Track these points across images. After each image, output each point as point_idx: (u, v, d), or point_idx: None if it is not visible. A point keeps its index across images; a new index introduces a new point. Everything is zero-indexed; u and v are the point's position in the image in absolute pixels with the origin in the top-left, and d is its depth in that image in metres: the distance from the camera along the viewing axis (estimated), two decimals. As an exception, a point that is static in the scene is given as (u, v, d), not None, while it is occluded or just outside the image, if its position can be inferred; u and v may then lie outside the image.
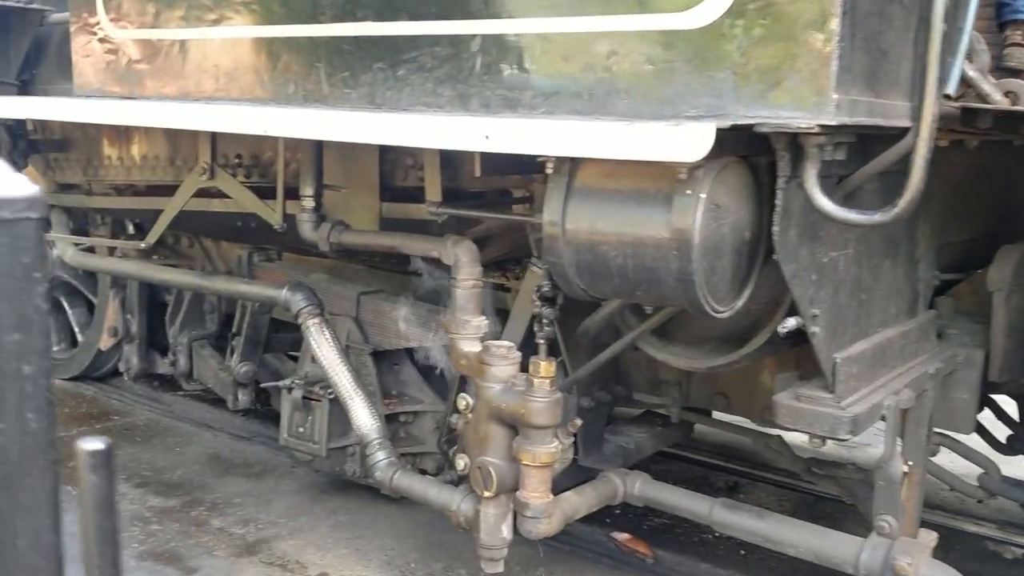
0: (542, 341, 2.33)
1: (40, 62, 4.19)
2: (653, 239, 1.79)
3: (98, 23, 2.95)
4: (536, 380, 2.27)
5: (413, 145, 1.97)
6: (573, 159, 1.91)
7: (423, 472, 3.23)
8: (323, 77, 2.36)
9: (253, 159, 3.34)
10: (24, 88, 4.27)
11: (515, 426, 2.35)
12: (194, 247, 4.47)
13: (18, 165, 4.04)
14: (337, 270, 3.75)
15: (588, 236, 1.90)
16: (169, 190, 3.76)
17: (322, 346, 3.02)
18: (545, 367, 2.27)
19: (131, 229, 4.67)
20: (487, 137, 1.89)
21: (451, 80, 2.09)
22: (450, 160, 2.72)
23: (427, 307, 3.20)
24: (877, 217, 1.86)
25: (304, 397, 3.43)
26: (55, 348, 5.23)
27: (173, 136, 3.54)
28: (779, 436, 3.12)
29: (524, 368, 2.33)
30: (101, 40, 2.98)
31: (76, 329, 5.14)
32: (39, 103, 3.00)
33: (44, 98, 3.01)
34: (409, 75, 2.16)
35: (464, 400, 2.46)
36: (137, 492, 3.74)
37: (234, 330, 4.08)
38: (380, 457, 2.82)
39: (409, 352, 3.48)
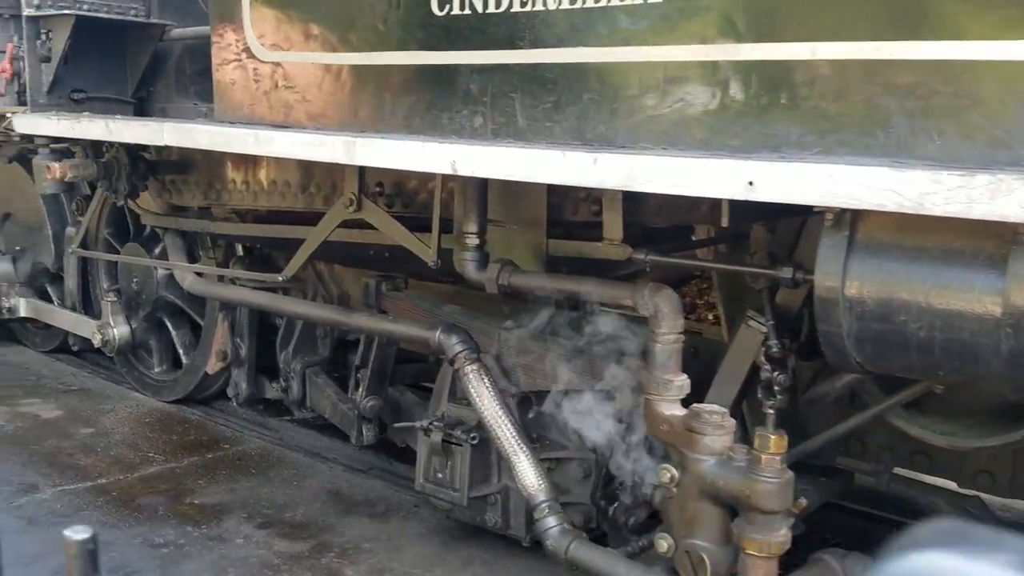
0: (771, 411, 2.00)
1: (158, 79, 3.99)
2: (976, 311, 1.45)
3: (244, 44, 2.70)
4: (764, 456, 1.95)
5: (666, 192, 1.66)
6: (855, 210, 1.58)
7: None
8: (519, 109, 2.06)
9: (395, 188, 3.06)
10: (141, 106, 4.07)
11: (732, 506, 2.03)
12: (306, 270, 4.23)
13: (137, 188, 3.83)
14: (467, 300, 3.47)
15: (878, 303, 1.57)
16: (298, 217, 3.52)
17: (482, 395, 2.73)
18: (776, 442, 1.95)
19: (239, 251, 4.48)
20: (751, 183, 1.57)
21: (686, 114, 1.77)
22: (631, 194, 2.41)
23: (582, 347, 2.90)
24: None
25: (444, 440, 3.16)
26: (157, 369, 5.05)
27: (306, 162, 3.27)
28: (979, 498, 2.76)
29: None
30: (248, 62, 2.72)
31: (180, 351, 4.95)
32: (198, 130, 2.76)
33: (204, 126, 2.77)
34: (632, 108, 1.85)
35: (668, 472, 2.14)
36: (261, 535, 3.49)
37: (358, 362, 3.82)
38: (552, 523, 2.51)
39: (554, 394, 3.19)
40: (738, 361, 2.23)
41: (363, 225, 3.18)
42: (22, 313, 5.44)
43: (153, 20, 3.78)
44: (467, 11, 2.13)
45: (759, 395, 2.06)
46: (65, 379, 5.18)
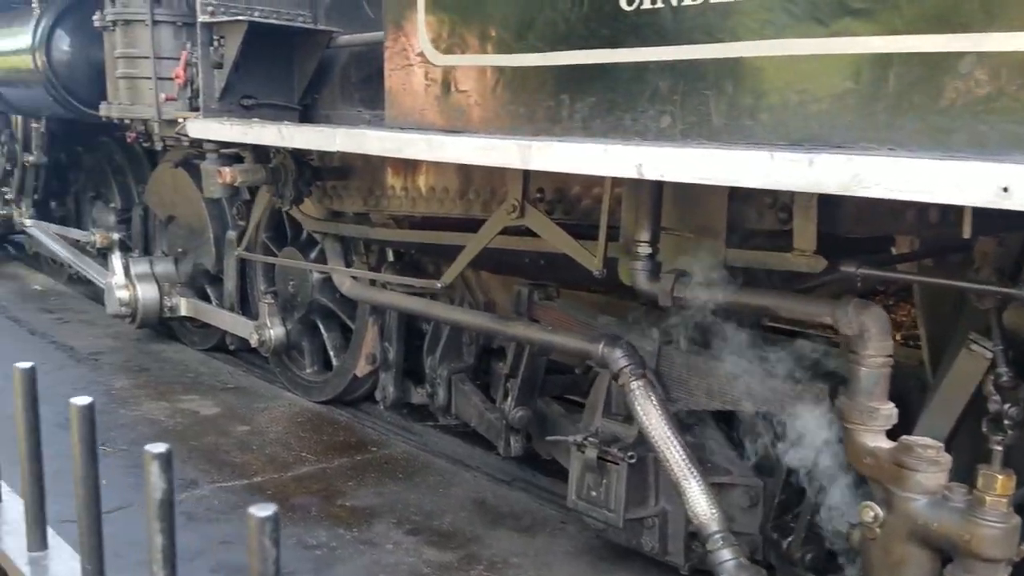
0: (998, 448, 1.75)
1: (323, 85, 4.05)
2: None
3: (418, 49, 2.66)
4: (989, 498, 1.71)
5: (898, 198, 1.47)
6: None
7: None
8: (713, 107, 1.90)
9: (557, 194, 2.96)
10: (306, 112, 4.15)
11: (946, 550, 1.80)
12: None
13: (302, 193, 3.89)
14: (620, 310, 3.33)
15: None
16: (455, 223, 3.47)
17: (649, 413, 2.57)
18: (1003, 483, 1.71)
19: (391, 257, 4.51)
20: (1005, 189, 1.35)
21: (918, 105, 1.57)
22: (824, 201, 2.20)
23: (757, 365, 2.70)
24: None
25: (599, 458, 3.02)
26: (308, 370, 5.15)
27: (466, 168, 3.22)
28: None
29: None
30: (420, 67, 2.68)
31: (331, 353, 5.03)
32: (369, 135, 2.74)
33: (375, 131, 2.75)
34: (851, 104, 1.66)
35: (871, 510, 1.92)
36: (410, 541, 3.45)
37: (507, 371, 3.74)
38: (727, 556, 2.32)
39: (714, 414, 3.01)
40: (956, 390, 1.99)
41: (520, 232, 3.10)
42: (183, 312, 5.69)
43: (320, 27, 3.84)
44: (659, 4, 1.99)
45: (984, 429, 1.81)
46: (222, 377, 5.36)
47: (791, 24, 1.77)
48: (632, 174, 1.95)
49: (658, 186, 2.42)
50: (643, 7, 2.02)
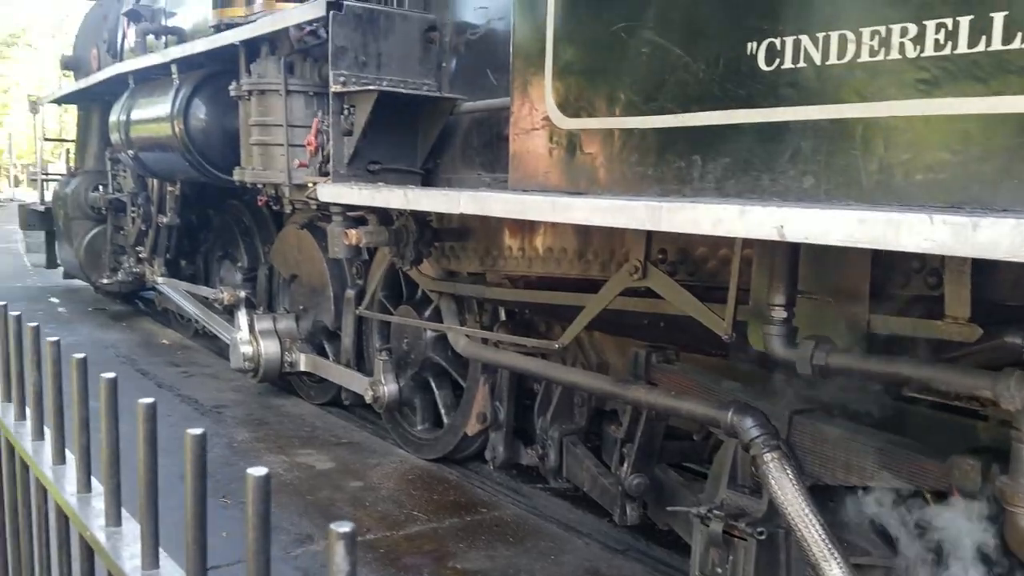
0: None
1: (445, 150, 4.13)
2: None
3: (544, 113, 2.67)
4: None
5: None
6: None
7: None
8: (862, 167, 1.81)
9: (680, 254, 2.88)
10: (428, 176, 4.24)
11: None
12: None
13: (422, 254, 3.95)
14: (743, 375, 3.19)
15: None
16: (571, 284, 3.44)
17: (785, 488, 2.42)
18: None
19: (503, 315, 4.50)
20: None
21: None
22: (979, 267, 2.05)
23: (900, 437, 2.51)
24: None
25: (725, 532, 2.86)
26: (419, 427, 5.17)
27: (585, 229, 3.19)
28: None
29: None
30: (545, 130, 2.69)
31: (442, 411, 5.03)
32: (493, 198, 2.76)
33: (499, 194, 2.77)
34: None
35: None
36: (524, 609, 3.36)
37: (622, 435, 3.63)
38: (874, 646, 2.14)
39: (852, 490, 2.81)
40: None
41: (639, 293, 3.04)
42: (302, 367, 5.83)
43: (446, 95, 3.93)
44: (801, 64, 1.93)
45: None
46: (336, 432, 5.44)
47: (949, 82, 1.68)
48: (773, 236, 1.86)
49: (794, 248, 2.32)
50: (783, 66, 1.97)
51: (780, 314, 2.34)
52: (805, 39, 1.92)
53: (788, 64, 1.95)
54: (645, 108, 2.32)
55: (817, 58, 1.89)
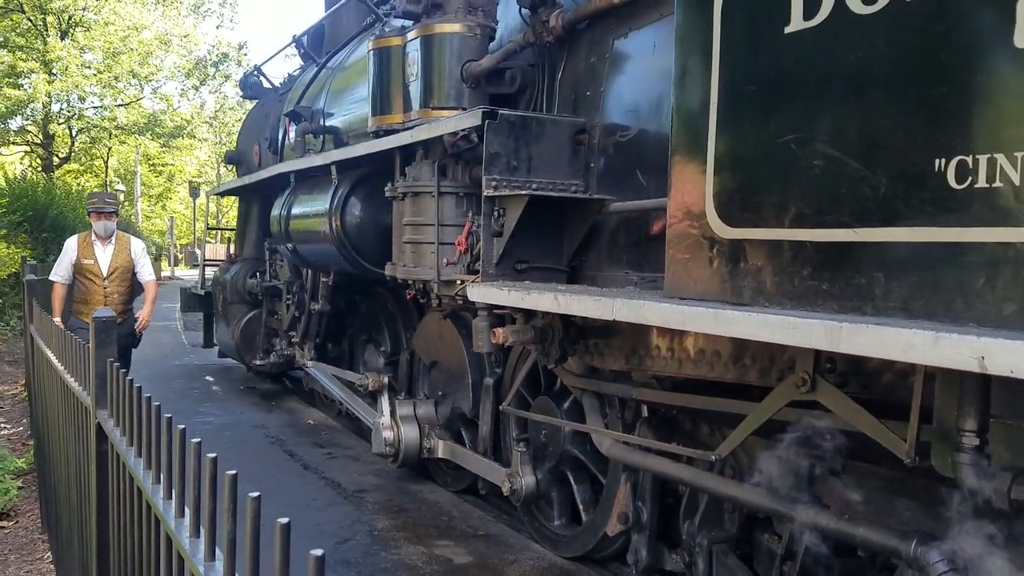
0: None
1: (591, 248, 4.14)
2: None
3: (704, 221, 2.63)
4: None
5: None
6: None
7: None
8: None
9: (851, 366, 2.72)
10: (573, 274, 4.25)
11: None
12: (714, 435, 3.99)
13: (567, 352, 3.92)
14: (914, 489, 2.94)
15: None
16: (725, 387, 3.31)
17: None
18: None
19: (645, 413, 4.38)
20: None
21: None
22: None
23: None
24: None
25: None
26: (556, 522, 5.05)
27: (742, 333, 3.08)
28: None
29: None
30: (705, 239, 2.64)
31: (580, 507, 4.91)
32: (650, 307, 2.72)
33: (655, 302, 2.72)
34: None
35: None
36: None
37: (781, 552, 3.41)
38: None
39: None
40: None
41: (804, 403, 2.88)
42: (440, 454, 5.86)
43: (594, 196, 3.96)
44: (997, 183, 1.81)
45: None
46: (472, 522, 5.39)
47: None
48: (973, 368, 1.72)
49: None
50: (976, 185, 1.85)
51: (971, 441, 2.15)
52: (1001, 158, 1.81)
53: (982, 183, 1.83)
54: (819, 221, 2.23)
55: (1016, 178, 1.77)
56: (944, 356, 1.78)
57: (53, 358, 3.82)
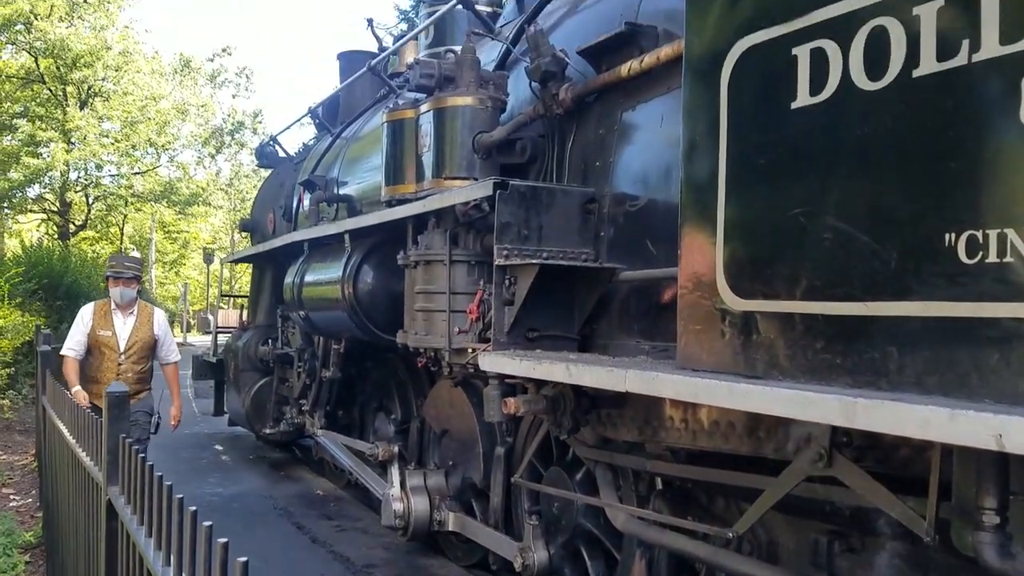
0: None
1: (602, 317, 4.14)
2: None
3: (716, 293, 2.64)
4: None
5: None
6: None
7: None
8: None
9: (868, 440, 2.68)
10: (584, 342, 4.24)
11: None
12: (730, 509, 3.91)
13: (579, 423, 3.90)
14: (940, 568, 2.86)
15: None
16: (742, 462, 3.27)
17: None
18: None
19: (659, 485, 4.31)
20: None
21: None
22: None
23: None
24: None
25: None
26: (572, 598, 4.93)
27: (756, 404, 3.05)
28: None
29: None
30: (716, 311, 2.64)
31: (593, 582, 4.80)
32: (663, 379, 2.72)
33: (668, 374, 2.71)
34: None
35: None
36: None
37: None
38: None
39: None
40: None
41: (821, 477, 2.83)
42: (450, 527, 5.76)
43: (604, 264, 3.98)
44: (1008, 259, 1.82)
45: None
46: (485, 599, 5.29)
47: None
48: (990, 446, 1.70)
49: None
50: (987, 260, 1.86)
51: (992, 519, 2.11)
52: (1011, 233, 1.82)
53: (993, 258, 1.84)
54: (830, 294, 2.24)
55: (1029, 253, 1.78)
56: (960, 434, 1.76)
57: (65, 431, 3.83)
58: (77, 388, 6.07)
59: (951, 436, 1.78)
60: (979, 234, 1.88)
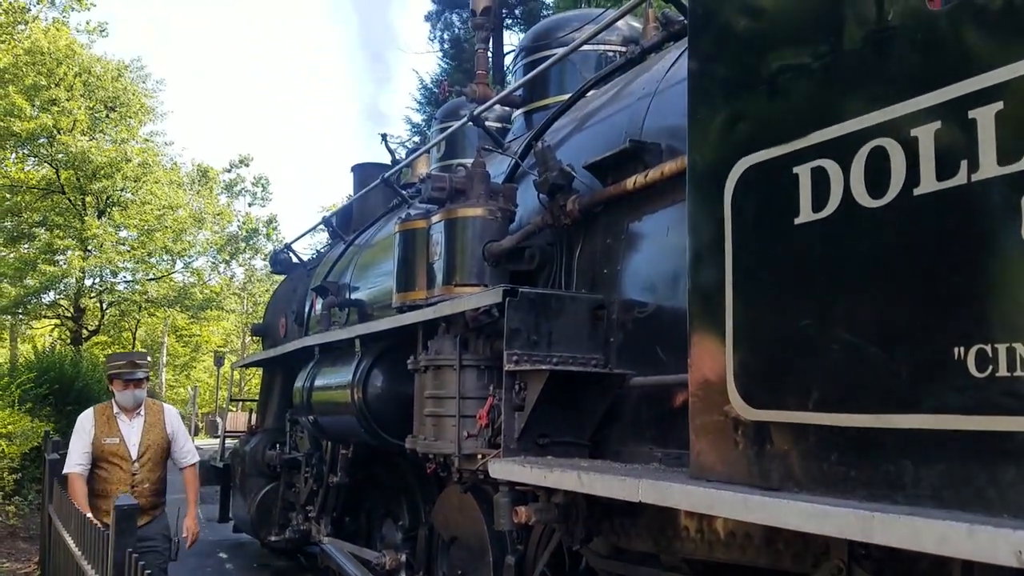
0: None
1: (613, 423, 4.11)
2: None
3: (728, 403, 2.63)
4: None
5: None
6: None
7: None
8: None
9: (887, 552, 2.60)
10: (595, 448, 4.19)
11: None
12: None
13: (592, 532, 3.81)
14: None
15: None
16: (762, 575, 3.18)
17: None
18: None
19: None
20: None
21: None
22: None
23: None
24: None
25: None
26: None
27: (772, 515, 2.99)
28: None
29: None
30: (728, 420, 2.63)
31: None
32: (676, 489, 2.68)
33: (681, 485, 2.68)
34: None
35: None
36: None
37: None
38: None
39: None
40: None
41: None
42: (459, 641, 5.55)
43: (614, 371, 3.98)
44: (1020, 372, 1.82)
45: None
46: None
47: None
48: (1011, 563, 1.66)
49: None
50: (998, 374, 1.86)
51: (1022, 638, 2.03)
52: (1020, 347, 1.83)
53: (1003, 372, 1.85)
54: (842, 406, 2.23)
55: (1038, 367, 1.78)
56: (980, 550, 1.73)
57: (71, 543, 3.76)
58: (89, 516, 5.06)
59: (970, 552, 1.74)
60: (988, 348, 1.89)
